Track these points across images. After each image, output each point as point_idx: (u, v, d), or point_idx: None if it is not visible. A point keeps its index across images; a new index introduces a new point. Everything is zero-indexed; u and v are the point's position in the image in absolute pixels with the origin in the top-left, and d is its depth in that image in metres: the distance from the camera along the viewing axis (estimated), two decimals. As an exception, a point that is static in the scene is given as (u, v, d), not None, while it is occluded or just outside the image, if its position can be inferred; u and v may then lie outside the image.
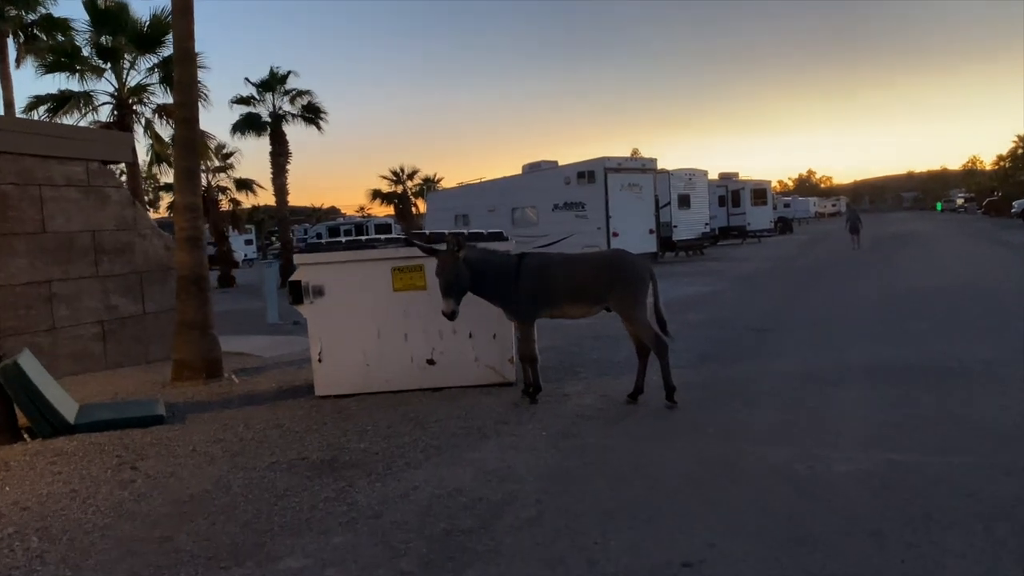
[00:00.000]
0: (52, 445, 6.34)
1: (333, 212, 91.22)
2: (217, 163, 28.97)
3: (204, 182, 29.92)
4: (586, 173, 21.77)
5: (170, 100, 15.96)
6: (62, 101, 14.57)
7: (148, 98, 15.63)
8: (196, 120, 9.17)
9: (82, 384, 9.17)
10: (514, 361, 7.75)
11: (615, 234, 21.33)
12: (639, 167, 22.74)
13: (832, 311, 12.22)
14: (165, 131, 16.19)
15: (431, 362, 7.70)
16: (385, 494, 4.77)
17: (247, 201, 35.19)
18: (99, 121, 15.57)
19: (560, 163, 23.73)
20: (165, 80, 15.46)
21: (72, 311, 9.78)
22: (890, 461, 4.86)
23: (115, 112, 15.92)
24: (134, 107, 15.94)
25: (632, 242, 21.64)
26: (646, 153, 68.18)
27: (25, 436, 6.54)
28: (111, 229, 10.34)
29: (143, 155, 16.56)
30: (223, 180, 30.09)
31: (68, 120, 14.50)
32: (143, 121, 16.19)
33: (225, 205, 31.80)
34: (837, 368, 7.77)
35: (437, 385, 7.69)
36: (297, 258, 7.74)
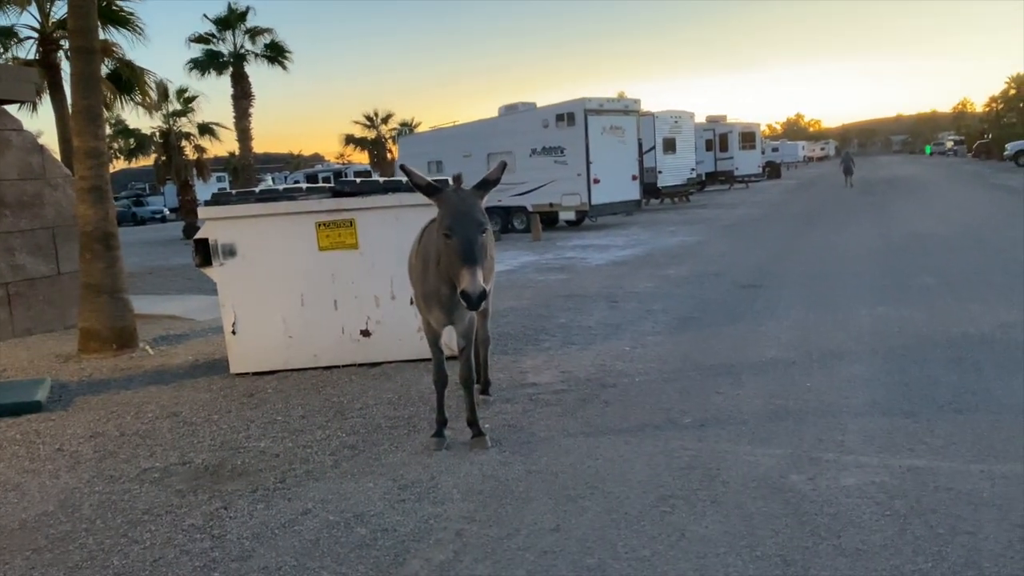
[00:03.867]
0: None
1: (316, 159, 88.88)
2: (177, 106, 27.27)
3: (165, 127, 28.41)
4: (565, 115, 20.37)
5: (107, 36, 14.48)
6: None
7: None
8: (95, 50, 7.87)
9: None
10: (462, 331, 6.64)
11: (596, 180, 20.07)
12: (622, 109, 21.34)
13: (828, 263, 11.16)
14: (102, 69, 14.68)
15: (365, 333, 6.59)
16: (266, 521, 3.70)
17: (213, 148, 33.57)
18: (18, 58, 14.08)
19: (539, 105, 22.34)
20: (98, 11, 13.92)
21: (-34, 273, 8.59)
22: (913, 470, 3.81)
23: (39, 49, 14.41)
24: (60, 42, 14.41)
25: (614, 189, 20.49)
26: (632, 96, 66.78)
27: None
28: (13, 179, 9.07)
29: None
30: (185, 125, 28.40)
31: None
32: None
33: (190, 152, 30.17)
34: (837, 335, 6.72)
35: (373, 360, 6.60)
36: (203, 211, 6.55)
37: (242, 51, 25.21)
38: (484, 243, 4.00)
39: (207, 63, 24.87)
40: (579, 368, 6.15)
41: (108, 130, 36.74)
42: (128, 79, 14.64)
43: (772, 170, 48.53)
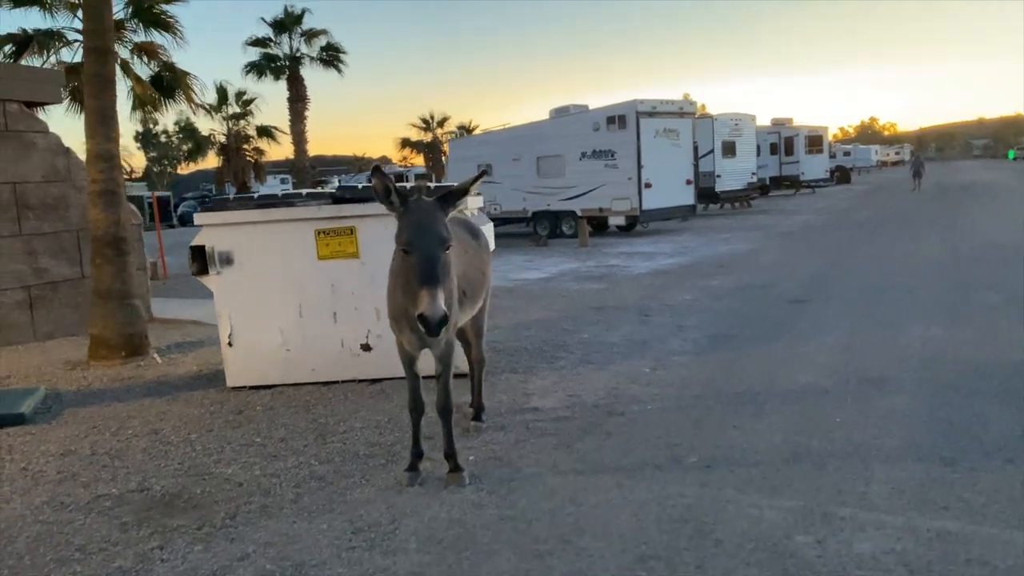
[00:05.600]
0: None
1: (382, 162, 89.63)
2: (237, 109, 27.60)
3: (225, 129, 28.80)
4: (616, 118, 19.77)
5: (150, 38, 14.54)
6: (25, 41, 13.25)
7: (126, 36, 14.19)
8: (109, 51, 7.71)
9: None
10: (468, 347, 6.21)
11: (647, 185, 19.41)
12: (676, 111, 20.63)
13: (885, 276, 10.37)
14: (144, 71, 14.72)
15: (366, 348, 6.22)
16: (197, 566, 3.33)
17: (273, 151, 34.01)
18: (63, 62, 14.22)
19: (591, 107, 21.78)
20: (137, 15, 13.96)
21: (-13, 276, 8.54)
22: (943, 536, 3.23)
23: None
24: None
25: (666, 194, 19.79)
26: (697, 100, 65.58)
27: None
28: (37, 181, 9.01)
29: (125, 102, 15.18)
30: (244, 128, 28.75)
31: (35, 63, 13.20)
32: (119, 61, 14.68)
33: (250, 154, 30.56)
34: (881, 359, 6.08)
35: (373, 376, 6.22)
36: (200, 217, 6.28)
37: (298, 54, 25.33)
38: (447, 261, 3.56)
39: (264, 66, 25.05)
40: (589, 392, 5.65)
41: (174, 128, 37.47)
42: (170, 82, 14.68)
43: (842, 175, 46.84)
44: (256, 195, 6.71)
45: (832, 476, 3.91)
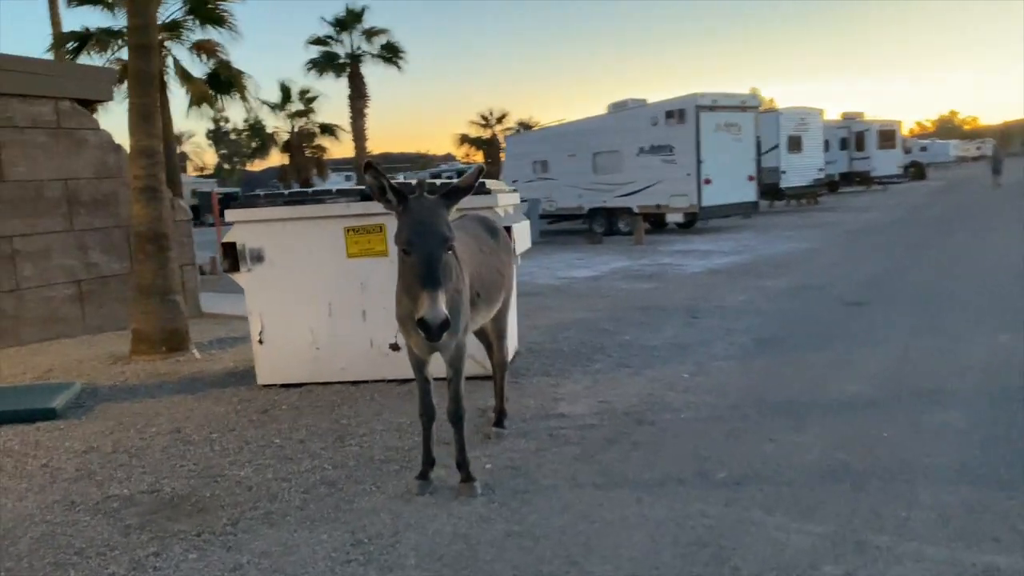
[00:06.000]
0: (-98, 446, 5.17)
1: (444, 160, 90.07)
2: (300, 106, 27.99)
3: (288, 127, 29.22)
4: (675, 112, 19.31)
5: (207, 36, 14.76)
6: (84, 39, 13.59)
7: (184, 35, 14.45)
8: (152, 48, 7.74)
9: (30, 354, 8.11)
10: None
11: (707, 181, 18.93)
12: (738, 105, 20.03)
13: (954, 278, 9.81)
14: (197, 69, 14.97)
15: (395, 347, 6.08)
16: (189, 576, 3.22)
17: (335, 149, 34.40)
18: (121, 60, 14.51)
19: (651, 102, 21.33)
20: (194, 11, 14.17)
21: (39, 270, 8.72)
22: (991, 571, 2.90)
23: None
24: (164, 43, 14.77)
25: (727, 190, 19.24)
26: (766, 96, 64.10)
27: None
28: (88, 177, 9.17)
29: (183, 98, 15.45)
30: (307, 125, 29.13)
31: (95, 61, 13.56)
32: (173, 60, 14.96)
33: (313, 151, 30.96)
34: (939, 369, 5.67)
35: (402, 377, 6.05)
36: (231, 214, 6.23)
37: (358, 52, 25.53)
38: (448, 262, 3.37)
39: (325, 64, 25.30)
40: (621, 398, 5.40)
41: (242, 125, 38.16)
42: (226, 79, 14.88)
43: (916, 171, 45.13)
44: (287, 192, 6.62)
45: (871, 498, 3.59)
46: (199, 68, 14.72)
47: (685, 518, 3.49)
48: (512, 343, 6.85)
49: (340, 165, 38.94)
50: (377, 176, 3.37)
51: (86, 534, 3.70)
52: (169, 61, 14.60)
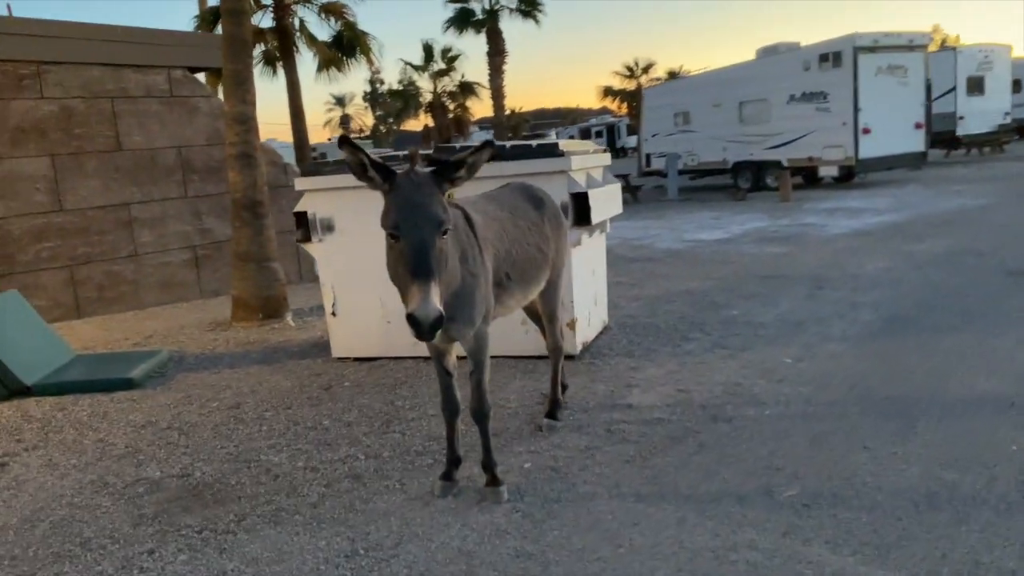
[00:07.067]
0: (-9, 413, 5.38)
1: (593, 114, 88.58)
2: (442, 65, 28.03)
3: (432, 87, 29.38)
4: (830, 55, 17.59)
5: (335, -1, 14.80)
6: (217, 12, 13.92)
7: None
8: (244, 12, 7.67)
9: (144, 318, 8.40)
10: (575, 327, 5.52)
11: (865, 130, 17.19)
12: (905, 44, 17.94)
13: None
14: (325, 32, 15.08)
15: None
16: (169, 582, 3.01)
17: (477, 107, 34.36)
18: (255, 26, 14.79)
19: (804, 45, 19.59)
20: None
21: (156, 236, 9.01)
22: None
23: (274, 16, 15.06)
24: (291, 7, 14.90)
25: (889, 140, 17.41)
26: (950, 32, 58.26)
27: (-19, 397, 5.63)
28: (201, 144, 9.35)
29: (311, 64, 15.59)
30: (448, 85, 29.19)
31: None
32: (298, 23, 15.09)
33: (454, 111, 31.06)
34: (1108, 362, 4.62)
35: (472, 354, 5.70)
36: (300, 182, 6.03)
37: (496, 6, 25.06)
38: (443, 248, 2.90)
39: (462, 21, 25.06)
40: (703, 387, 4.77)
41: (396, 86, 38.86)
42: (350, 41, 14.89)
43: None
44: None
45: (973, 536, 2.85)
46: (327, 31, 14.87)
47: (728, 549, 2.91)
48: (601, 317, 6.33)
49: (485, 124, 38.90)
50: (355, 151, 2.95)
51: (99, 522, 3.59)
52: (297, 24, 14.83)
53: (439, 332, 3.16)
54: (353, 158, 2.94)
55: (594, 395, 4.76)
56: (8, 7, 10.64)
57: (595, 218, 5.36)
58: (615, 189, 6.12)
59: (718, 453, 3.80)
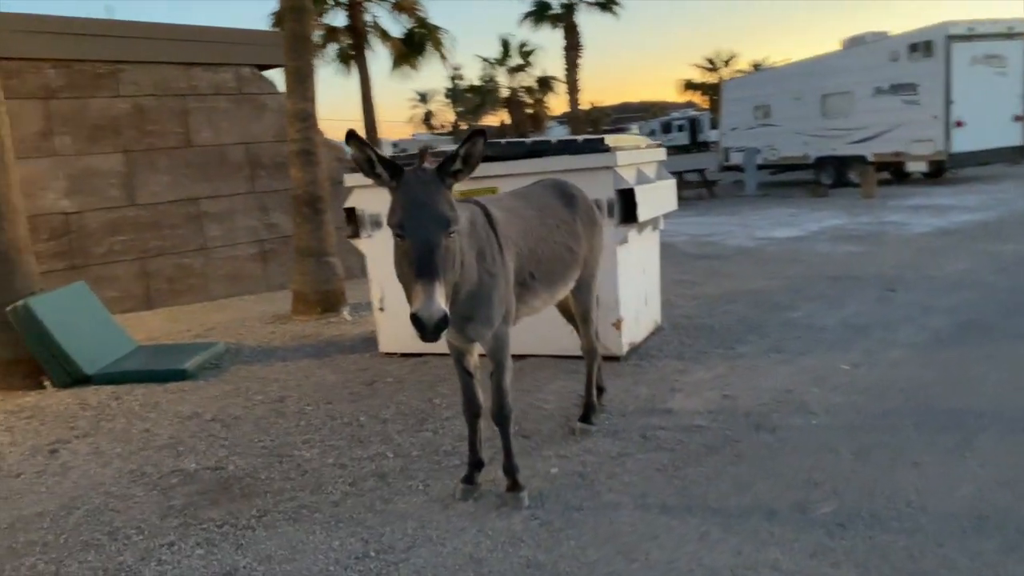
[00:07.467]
0: (51, 398, 5.60)
1: (675, 108, 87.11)
2: (519, 60, 28.01)
3: (506, 83, 29.40)
4: (920, 44, 16.73)
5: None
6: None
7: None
8: (307, 9, 7.76)
9: (211, 310, 8.61)
10: (621, 327, 5.37)
11: (958, 124, 16.30)
12: (1003, 31, 16.90)
13: None
14: (397, 29, 15.17)
15: (510, 320, 5.61)
16: (182, 576, 3.03)
17: (553, 103, 34.20)
18: (328, 24, 15.04)
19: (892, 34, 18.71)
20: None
21: (225, 230, 9.24)
22: None
23: (348, 14, 15.23)
24: (363, 4, 15.05)
25: (984, 134, 16.46)
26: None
27: (45, 383, 5.86)
28: (269, 141, 9.54)
29: (386, 60, 15.81)
30: (524, 79, 29.14)
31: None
32: (372, 21, 15.23)
33: (531, 106, 31.02)
34: None
35: (516, 352, 5.59)
36: (348, 178, 6.05)
37: (572, 0, 24.83)
38: (450, 247, 2.81)
39: (539, 15, 24.93)
40: (751, 393, 4.56)
41: (463, 83, 39.05)
42: (420, 38, 14.97)
43: None
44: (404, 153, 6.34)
45: (1021, 568, 2.60)
46: (399, 28, 15.01)
47: (747, 568, 2.74)
48: (652, 317, 6.16)
49: (563, 119, 38.70)
50: (362, 147, 2.89)
51: (130, 512, 3.66)
52: (369, 21, 14.98)
53: (450, 332, 3.10)
54: (360, 154, 2.89)
55: (635, 399, 4.61)
56: (106, 8, 11.05)
57: (643, 215, 5.20)
58: (668, 185, 5.93)
59: (755, 465, 3.62)
